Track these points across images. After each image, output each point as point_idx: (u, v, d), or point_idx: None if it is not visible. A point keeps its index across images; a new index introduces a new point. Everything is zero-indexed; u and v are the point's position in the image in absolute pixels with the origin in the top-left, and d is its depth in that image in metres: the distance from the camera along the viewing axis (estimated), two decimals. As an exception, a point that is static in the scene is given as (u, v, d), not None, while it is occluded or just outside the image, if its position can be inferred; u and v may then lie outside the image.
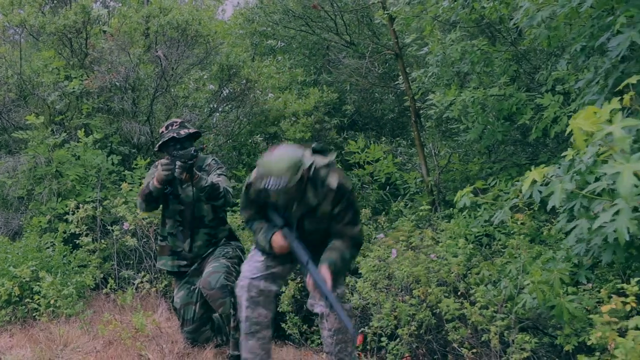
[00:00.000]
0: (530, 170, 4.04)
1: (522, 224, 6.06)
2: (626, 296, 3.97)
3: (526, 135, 7.92)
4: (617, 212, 3.44)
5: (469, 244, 6.32)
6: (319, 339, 5.99)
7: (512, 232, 6.14)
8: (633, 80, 4.32)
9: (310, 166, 4.09)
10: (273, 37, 13.65)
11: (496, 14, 7.54)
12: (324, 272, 4.03)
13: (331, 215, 4.22)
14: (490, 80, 8.18)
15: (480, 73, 8.10)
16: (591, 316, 4.03)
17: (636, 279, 4.04)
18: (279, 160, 3.94)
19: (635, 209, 3.65)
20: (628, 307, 3.85)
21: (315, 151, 4.31)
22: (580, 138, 3.39)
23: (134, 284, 6.75)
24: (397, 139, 10.90)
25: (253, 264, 4.50)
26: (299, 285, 6.42)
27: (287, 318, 6.28)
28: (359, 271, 6.26)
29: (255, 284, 4.41)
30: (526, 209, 6.18)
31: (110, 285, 6.71)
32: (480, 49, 7.90)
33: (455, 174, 8.93)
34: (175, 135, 5.16)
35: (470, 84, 8.14)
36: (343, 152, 10.07)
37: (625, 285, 3.96)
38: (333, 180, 4.16)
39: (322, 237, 4.32)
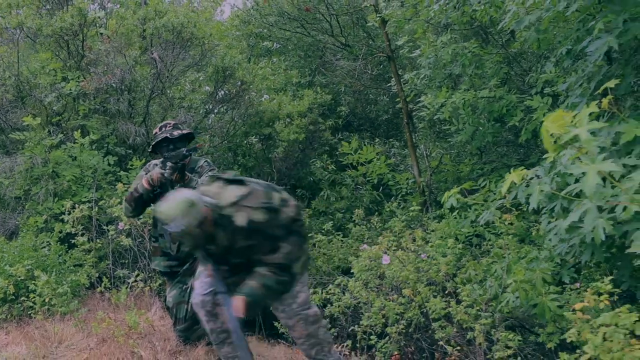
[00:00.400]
0: (510, 172, 4.15)
1: (510, 224, 6.16)
2: (601, 295, 4.06)
3: (517, 137, 8.02)
4: (585, 212, 3.56)
5: (459, 244, 6.42)
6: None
7: (500, 232, 6.23)
8: (611, 84, 4.42)
9: (213, 207, 4.10)
10: (269, 39, 13.74)
11: (487, 17, 7.62)
12: (237, 303, 4.09)
13: (249, 248, 4.22)
14: (481, 82, 8.27)
15: (471, 75, 8.19)
16: (565, 314, 4.13)
17: (610, 278, 4.13)
18: (171, 206, 3.98)
19: (612, 210, 3.76)
20: (602, 305, 3.94)
21: (230, 181, 4.31)
22: (549, 140, 3.50)
23: (128, 283, 6.83)
24: (391, 140, 11.01)
25: (203, 279, 4.55)
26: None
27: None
28: (351, 271, 6.35)
29: (208, 299, 4.45)
30: (514, 209, 6.27)
31: (105, 284, 6.80)
32: (471, 51, 8.00)
33: (447, 174, 9.03)
34: (168, 135, 5.24)
35: (461, 86, 8.24)
36: (337, 153, 10.17)
37: (599, 284, 4.05)
38: (241, 219, 4.11)
39: (254, 264, 4.32)
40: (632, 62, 5.60)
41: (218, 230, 4.10)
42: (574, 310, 3.97)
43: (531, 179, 4.42)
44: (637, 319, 3.64)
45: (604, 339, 3.65)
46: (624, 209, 3.63)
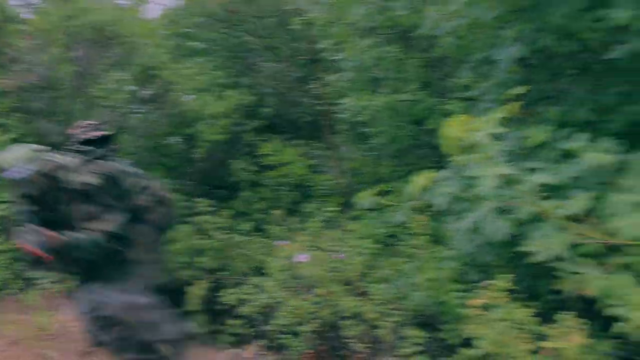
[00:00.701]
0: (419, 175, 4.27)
1: (424, 224, 6.29)
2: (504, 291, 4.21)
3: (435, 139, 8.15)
4: (485, 213, 3.70)
5: (375, 244, 6.53)
6: (227, 336, 6.15)
7: (414, 232, 6.36)
8: (518, 91, 4.60)
9: (55, 164, 4.15)
10: (195, 39, 13.65)
11: (409, 22, 7.76)
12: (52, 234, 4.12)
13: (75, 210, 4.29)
14: (403, 86, 8.41)
15: (393, 79, 8.33)
16: (462, 311, 4.27)
17: (510, 276, 4.28)
18: (15, 153, 4.00)
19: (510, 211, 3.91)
20: (500, 302, 4.09)
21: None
22: (448, 144, 3.63)
23: (39, 284, 6.73)
24: (312, 141, 11.08)
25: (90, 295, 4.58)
26: (211, 284, 6.54)
27: (195, 317, 6.37)
28: (264, 271, 6.41)
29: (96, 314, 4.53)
30: (429, 210, 6.41)
31: (18, 285, 6.69)
32: (394, 55, 8.14)
33: (366, 176, 9.14)
34: (84, 136, 5.18)
35: (383, 90, 8.36)
36: (259, 154, 10.19)
37: (497, 282, 4.20)
38: (79, 179, 4.21)
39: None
40: (543, 70, 5.82)
41: (54, 188, 4.12)
42: (470, 306, 4.10)
43: (438, 181, 4.56)
44: (529, 314, 3.80)
45: (500, 334, 3.79)
46: (521, 210, 3.79)
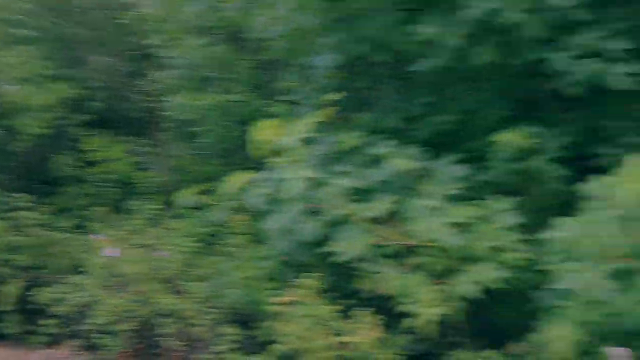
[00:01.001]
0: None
1: (244, 224, 6.39)
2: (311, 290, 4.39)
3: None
4: (294, 214, 3.87)
5: (196, 242, 6.56)
6: (41, 336, 6.01)
7: (235, 232, 6.45)
8: (334, 97, 4.81)
9: None
10: (24, 27, 13.04)
11: (240, 24, 7.83)
12: None
13: None
14: (233, 86, 8.48)
15: (223, 79, 8.38)
16: (271, 308, 4.42)
17: (310, 274, 4.47)
18: None
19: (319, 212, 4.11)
20: (306, 299, 4.27)
21: None
22: (258, 147, 3.76)
23: None
24: (140, 138, 10.91)
25: None
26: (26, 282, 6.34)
27: (7, 317, 6.15)
28: (84, 269, 6.28)
29: None
30: (250, 210, 6.52)
31: None
32: (225, 55, 8.20)
33: (192, 175, 9.11)
34: None
35: (211, 89, 8.40)
36: (84, 149, 9.90)
37: (304, 281, 4.38)
38: None
39: None
40: (359, 78, 6.11)
41: None
42: (279, 304, 4.26)
43: (257, 182, 4.69)
44: (333, 311, 4.01)
45: (305, 330, 3.97)
46: (329, 212, 3.99)
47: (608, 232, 3.42)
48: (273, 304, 4.82)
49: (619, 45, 4.56)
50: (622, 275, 3.52)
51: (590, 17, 4.61)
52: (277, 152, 3.98)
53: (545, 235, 3.93)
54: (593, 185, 3.70)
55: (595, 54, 4.59)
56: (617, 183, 3.40)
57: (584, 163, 4.85)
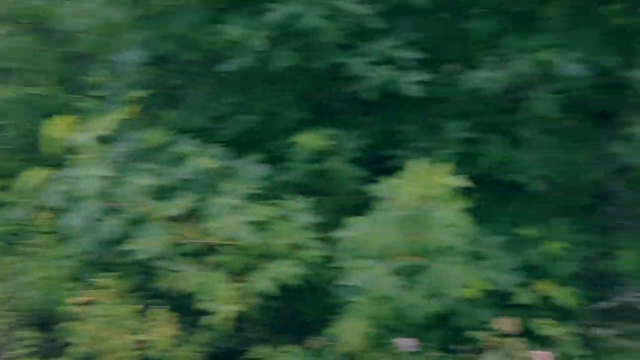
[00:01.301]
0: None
1: (48, 222, 6.17)
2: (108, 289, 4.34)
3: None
4: (91, 212, 3.82)
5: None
6: None
7: (36, 230, 6.21)
8: (140, 94, 4.77)
9: None
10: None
11: (46, 14, 7.56)
12: None
13: None
14: (37, 78, 8.16)
15: (27, 70, 8.04)
16: (68, 308, 4.33)
17: (108, 273, 4.43)
18: None
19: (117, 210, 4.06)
20: (103, 299, 4.22)
21: None
22: (50, 144, 3.68)
23: None
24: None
25: None
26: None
27: None
28: None
29: None
30: (55, 208, 6.30)
31: None
32: (29, 46, 7.86)
33: (-5, 170, 8.68)
34: None
35: (15, 81, 8.04)
36: None
37: (102, 280, 4.32)
38: None
39: None
40: (167, 75, 6.09)
41: None
42: (76, 304, 4.18)
43: (56, 179, 4.55)
44: (130, 310, 3.99)
45: (100, 330, 3.92)
46: (127, 210, 3.96)
47: (390, 232, 3.67)
48: (71, 304, 4.71)
49: (411, 54, 4.86)
50: (405, 272, 3.81)
51: (385, 25, 4.88)
52: (71, 150, 3.88)
53: (339, 233, 4.13)
54: (381, 187, 3.93)
55: (390, 61, 4.87)
56: (400, 185, 3.65)
57: (380, 165, 5.11)
